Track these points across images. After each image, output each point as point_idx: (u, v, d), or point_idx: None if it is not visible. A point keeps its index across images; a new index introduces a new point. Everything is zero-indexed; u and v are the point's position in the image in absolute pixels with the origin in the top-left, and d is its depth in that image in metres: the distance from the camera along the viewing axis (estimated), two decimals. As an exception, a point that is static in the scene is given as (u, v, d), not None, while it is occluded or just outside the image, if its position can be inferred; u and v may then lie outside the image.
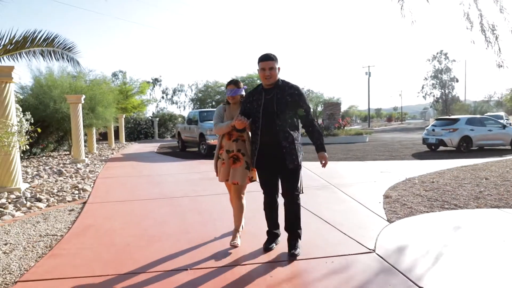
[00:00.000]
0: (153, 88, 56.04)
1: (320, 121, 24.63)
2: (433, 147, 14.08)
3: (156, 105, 59.57)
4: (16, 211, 5.17)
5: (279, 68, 3.25)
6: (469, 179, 6.64)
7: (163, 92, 66.97)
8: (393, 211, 4.67)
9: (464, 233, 3.82)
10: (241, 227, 3.72)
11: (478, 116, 15.50)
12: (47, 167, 10.57)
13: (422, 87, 65.44)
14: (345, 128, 20.90)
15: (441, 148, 13.97)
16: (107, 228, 4.32)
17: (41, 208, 5.42)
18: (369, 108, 53.25)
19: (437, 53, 63.19)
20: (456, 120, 13.59)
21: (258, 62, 3.24)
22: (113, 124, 20.63)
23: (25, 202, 5.60)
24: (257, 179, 3.58)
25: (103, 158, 13.79)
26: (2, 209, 5.16)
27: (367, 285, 2.68)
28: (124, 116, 24.42)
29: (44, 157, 14.26)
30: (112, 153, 16.16)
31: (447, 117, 15.37)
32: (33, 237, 3.96)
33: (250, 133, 3.48)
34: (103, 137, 25.01)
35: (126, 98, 23.05)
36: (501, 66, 9.33)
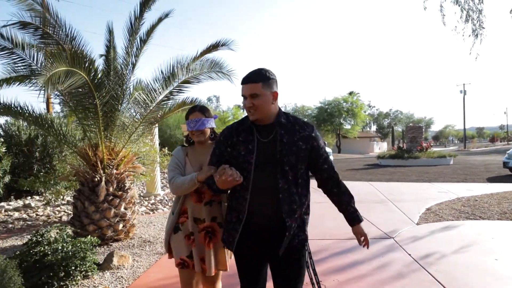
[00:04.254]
0: (243, 111, 60.57)
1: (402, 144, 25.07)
2: (514, 171, 14.14)
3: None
4: (164, 207, 7.94)
5: (274, 94, 1.95)
6: (513, 199, 7.62)
7: (253, 114, 72.02)
8: (425, 218, 6.20)
9: (470, 234, 5.26)
10: None
11: None
12: (165, 180, 13.82)
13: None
14: (428, 150, 21.21)
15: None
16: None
17: (177, 207, 8.12)
18: (464, 128, 50.11)
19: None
20: (539, 144, 13.56)
21: (241, 85, 1.97)
22: (212, 146, 24.20)
23: (167, 202, 8.40)
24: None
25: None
26: (155, 206, 7.99)
27: (381, 253, 4.49)
28: (220, 139, 27.98)
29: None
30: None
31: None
32: (181, 221, 6.52)
33: (229, 192, 2.13)
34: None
35: (224, 123, 26.68)
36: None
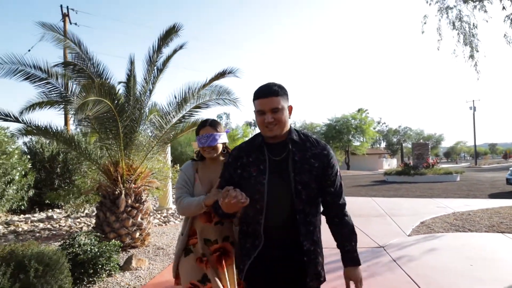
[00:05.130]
0: (254, 129, 61.51)
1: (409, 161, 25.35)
2: (517, 187, 14.42)
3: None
4: (175, 220, 8.54)
5: (289, 109, 1.84)
6: (505, 214, 8.00)
7: (263, 131, 73.10)
8: (417, 230, 6.66)
9: (454, 244, 5.71)
10: None
11: None
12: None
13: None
14: (434, 167, 21.49)
15: (528, 188, 14.23)
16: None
17: (187, 219, 8.74)
18: (475, 144, 49.96)
19: None
20: (540, 161, 13.85)
21: (254, 100, 1.81)
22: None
23: (178, 215, 9.00)
24: None
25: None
26: (167, 219, 8.60)
27: (369, 259, 4.99)
28: (230, 155, 28.73)
29: (173, 189, 18.62)
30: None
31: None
32: (191, 231, 7.12)
33: (240, 217, 2.00)
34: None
35: (233, 141, 27.44)
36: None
